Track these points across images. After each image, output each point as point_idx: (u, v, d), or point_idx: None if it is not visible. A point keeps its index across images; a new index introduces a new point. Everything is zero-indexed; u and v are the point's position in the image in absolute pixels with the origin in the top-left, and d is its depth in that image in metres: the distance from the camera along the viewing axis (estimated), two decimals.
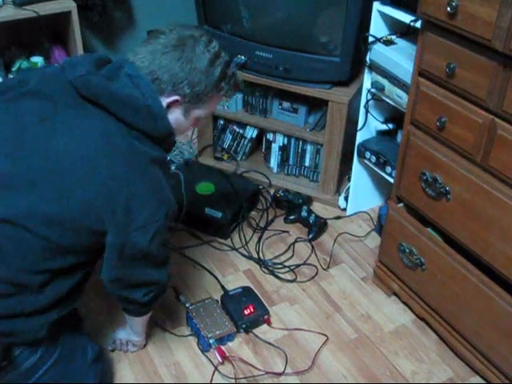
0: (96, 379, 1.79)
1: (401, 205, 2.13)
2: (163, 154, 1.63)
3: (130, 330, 1.98)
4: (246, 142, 2.97)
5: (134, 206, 1.51)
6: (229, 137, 2.99)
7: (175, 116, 1.61)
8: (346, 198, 2.74)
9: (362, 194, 2.72)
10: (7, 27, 2.27)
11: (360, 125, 2.47)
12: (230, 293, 2.25)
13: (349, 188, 2.70)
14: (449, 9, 1.61)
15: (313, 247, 2.55)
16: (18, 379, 1.63)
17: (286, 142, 2.84)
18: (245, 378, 2.00)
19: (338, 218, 2.73)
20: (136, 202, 1.51)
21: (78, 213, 1.48)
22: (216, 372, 2.00)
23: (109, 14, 2.79)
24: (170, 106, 1.58)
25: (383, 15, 2.17)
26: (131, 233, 1.53)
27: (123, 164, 1.49)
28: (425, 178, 1.92)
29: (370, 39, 2.22)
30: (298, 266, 2.46)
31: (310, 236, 2.59)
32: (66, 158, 1.47)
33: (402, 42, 2.19)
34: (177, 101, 1.57)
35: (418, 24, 1.86)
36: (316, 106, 2.74)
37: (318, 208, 2.79)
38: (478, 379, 2.02)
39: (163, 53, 1.53)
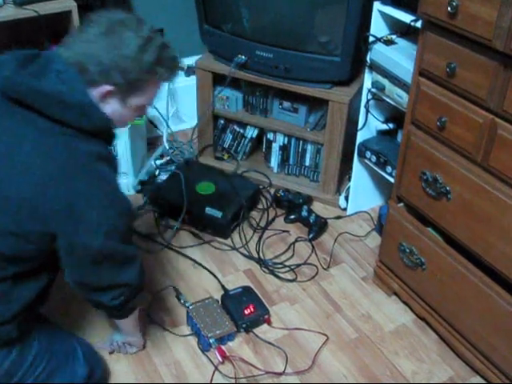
0: (87, 367, 1.79)
1: (401, 204, 2.13)
2: (105, 148, 1.56)
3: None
4: (246, 142, 2.97)
5: (79, 206, 1.45)
6: (229, 136, 2.99)
7: (112, 107, 1.54)
8: (347, 198, 2.75)
9: (363, 193, 2.72)
10: (8, 27, 2.27)
11: (360, 124, 2.47)
12: (230, 292, 2.25)
13: (349, 188, 2.70)
14: (449, 9, 1.61)
15: (313, 247, 2.55)
16: (3, 379, 1.62)
17: (286, 142, 2.84)
18: (245, 377, 2.00)
19: (339, 217, 2.74)
20: (80, 201, 1.45)
21: (20, 219, 1.44)
22: (216, 372, 2.00)
23: None
24: (103, 97, 1.51)
25: (384, 15, 2.17)
26: (81, 235, 1.48)
27: (59, 163, 1.43)
28: (425, 177, 1.92)
29: (371, 39, 2.22)
30: (298, 265, 2.46)
31: (311, 236, 2.60)
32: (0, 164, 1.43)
33: (402, 42, 2.19)
34: (110, 91, 1.50)
35: (419, 24, 1.86)
36: (316, 105, 2.74)
37: (318, 208, 2.80)
38: (478, 379, 2.02)
39: (91, 42, 1.47)
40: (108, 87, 1.49)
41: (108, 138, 1.59)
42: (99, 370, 1.89)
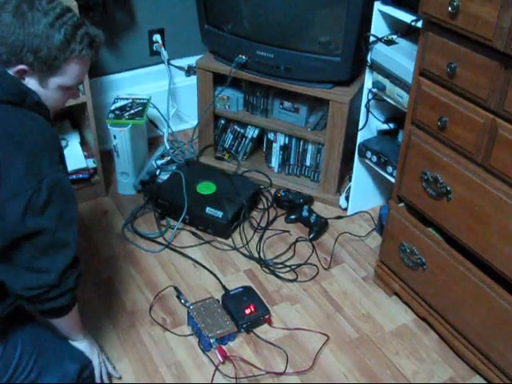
0: (78, 364, 1.78)
1: (402, 204, 2.14)
2: (38, 117, 1.52)
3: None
4: (246, 142, 2.98)
5: (3, 167, 1.41)
6: (230, 136, 3.00)
7: (32, 87, 1.53)
8: (347, 198, 2.75)
9: (363, 193, 2.73)
10: None
11: (361, 124, 2.48)
12: (231, 292, 2.26)
13: (350, 188, 2.71)
14: (450, 8, 1.61)
15: (314, 247, 2.56)
16: None
17: (286, 142, 2.85)
18: (246, 377, 2.00)
19: (339, 217, 2.74)
20: (5, 161, 1.41)
21: None
22: (217, 372, 2.00)
23: (110, 14, 2.79)
24: (21, 76, 1.50)
25: (384, 15, 2.17)
26: (3, 202, 1.42)
27: None
28: (426, 177, 1.93)
29: (371, 39, 2.23)
30: (298, 265, 2.46)
31: (311, 236, 2.60)
32: None
33: (403, 42, 2.20)
34: (24, 70, 1.49)
35: (419, 24, 1.87)
36: (317, 105, 2.75)
37: (318, 208, 2.80)
38: (478, 379, 2.02)
39: None
40: (22, 66, 1.48)
41: (41, 110, 1.55)
42: (91, 364, 1.86)
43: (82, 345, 1.84)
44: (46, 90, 1.54)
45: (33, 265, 1.51)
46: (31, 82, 1.52)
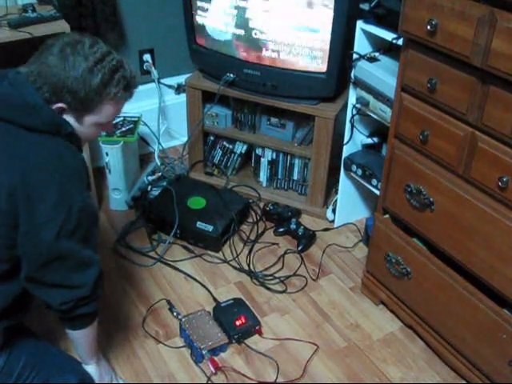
0: (78, 376, 1.81)
1: (387, 216, 2.18)
2: (70, 148, 1.60)
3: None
4: (235, 157, 3.02)
5: (34, 197, 1.50)
6: (219, 152, 3.03)
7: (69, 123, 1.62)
8: (334, 210, 2.79)
9: (349, 206, 2.76)
10: (2, 48, 2.30)
11: (346, 139, 2.52)
12: (222, 304, 2.28)
13: (336, 200, 2.74)
14: (429, 27, 1.66)
15: (302, 259, 2.59)
16: None
17: (274, 157, 2.89)
18: None
19: (326, 229, 2.77)
20: (35, 192, 1.50)
21: None
22: (209, 382, 2.03)
23: (102, 35, 2.82)
24: (60, 113, 1.58)
25: (367, 33, 2.23)
26: (37, 226, 1.52)
27: (15, 159, 1.50)
28: (409, 189, 1.97)
29: (355, 56, 2.27)
30: (287, 277, 2.49)
31: (300, 248, 2.63)
32: None
33: (385, 59, 2.25)
34: (63, 108, 1.57)
35: (400, 41, 1.91)
36: (303, 121, 2.79)
37: (306, 220, 2.84)
38: None
39: (44, 64, 1.53)
40: (61, 104, 1.56)
41: (73, 140, 1.62)
42: (91, 380, 1.90)
43: (92, 370, 1.89)
44: (82, 126, 1.63)
45: (66, 282, 1.61)
46: (69, 118, 1.60)
